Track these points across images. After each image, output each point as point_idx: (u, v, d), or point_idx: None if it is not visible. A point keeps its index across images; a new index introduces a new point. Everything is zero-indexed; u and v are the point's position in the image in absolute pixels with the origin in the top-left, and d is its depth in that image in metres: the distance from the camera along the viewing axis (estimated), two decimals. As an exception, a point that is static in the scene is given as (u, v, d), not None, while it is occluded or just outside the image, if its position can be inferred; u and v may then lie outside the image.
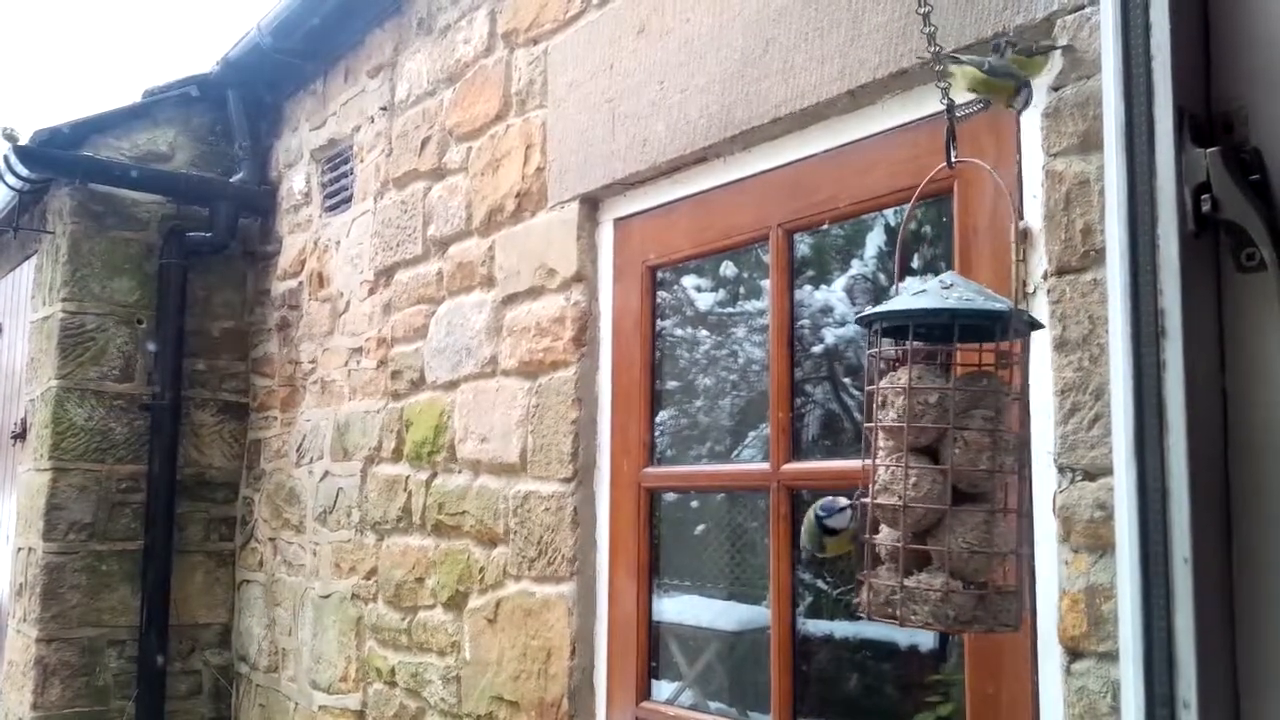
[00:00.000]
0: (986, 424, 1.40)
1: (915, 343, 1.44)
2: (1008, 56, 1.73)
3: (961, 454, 1.39)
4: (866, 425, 1.49)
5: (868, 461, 1.47)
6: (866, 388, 1.51)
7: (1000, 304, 1.43)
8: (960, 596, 1.35)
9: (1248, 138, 0.89)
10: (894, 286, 1.63)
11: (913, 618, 1.37)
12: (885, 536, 1.45)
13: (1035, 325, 1.53)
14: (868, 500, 1.46)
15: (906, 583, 1.38)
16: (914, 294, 1.46)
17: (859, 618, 1.50)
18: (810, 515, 1.57)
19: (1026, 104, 1.74)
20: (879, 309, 1.47)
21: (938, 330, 1.46)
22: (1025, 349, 1.49)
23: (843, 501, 1.54)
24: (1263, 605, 0.86)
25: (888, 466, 1.43)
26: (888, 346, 1.48)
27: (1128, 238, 0.91)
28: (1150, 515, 0.88)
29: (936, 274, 1.54)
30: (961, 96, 1.92)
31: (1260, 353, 0.86)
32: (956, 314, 1.40)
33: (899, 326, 1.47)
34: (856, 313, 1.82)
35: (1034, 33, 1.91)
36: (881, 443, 1.45)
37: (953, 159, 1.59)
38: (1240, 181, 0.87)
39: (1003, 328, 1.44)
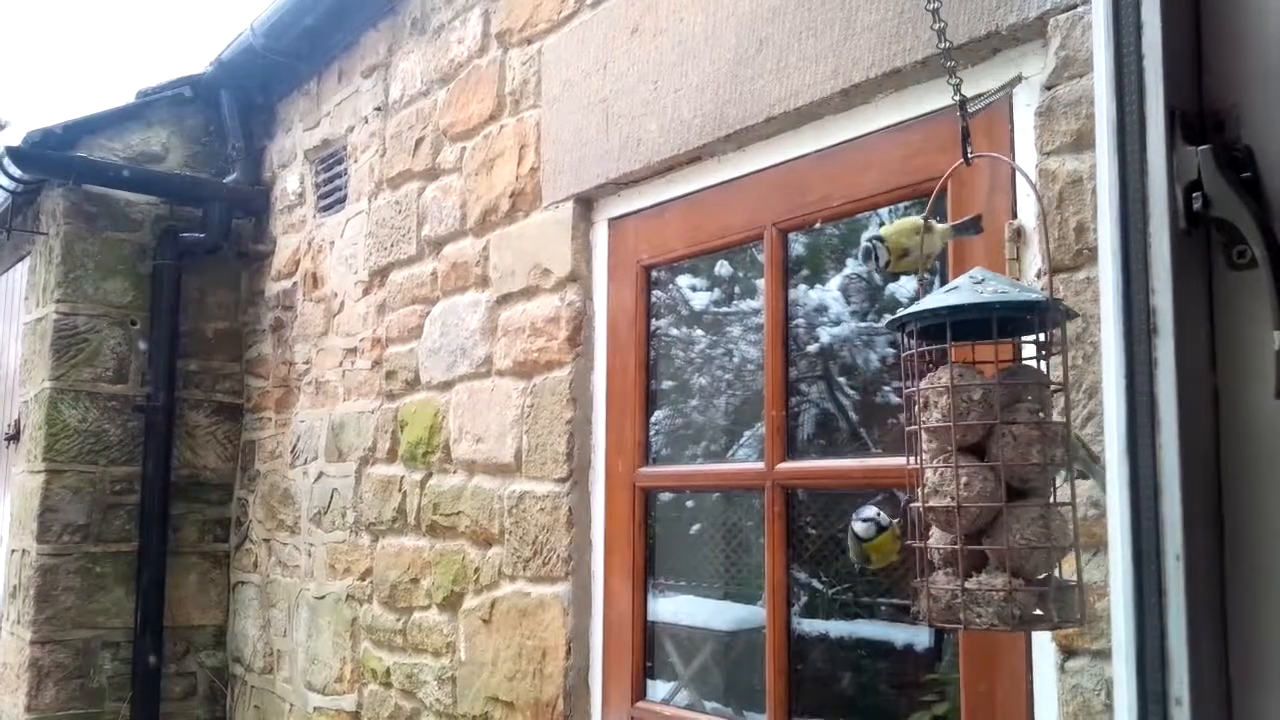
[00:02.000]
0: (1033, 416, 1.37)
1: (955, 340, 1.40)
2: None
3: (1012, 449, 1.36)
4: (909, 428, 1.46)
5: (913, 465, 1.44)
6: (904, 389, 1.48)
7: (1036, 295, 1.40)
8: (1024, 595, 1.32)
9: (1239, 136, 0.89)
10: (916, 288, 1.60)
11: (977, 620, 1.33)
12: (938, 540, 1.40)
13: (1071, 314, 1.50)
14: (917, 504, 1.42)
15: (967, 585, 1.34)
16: (946, 291, 1.43)
17: (856, 617, 1.48)
18: (850, 528, 1.54)
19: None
20: (914, 309, 1.42)
21: (970, 327, 1.44)
22: (1064, 339, 1.47)
23: (870, 510, 1.48)
24: (1254, 601, 0.86)
25: (935, 468, 1.39)
26: (922, 346, 1.45)
27: (1120, 236, 0.92)
28: (1142, 512, 0.88)
29: (932, 272, 1.54)
30: (971, 92, 1.92)
31: (1251, 350, 0.87)
32: (994, 308, 1.38)
33: (929, 326, 1.43)
34: (852, 313, 1.81)
35: (1027, 31, 1.92)
36: (925, 444, 1.41)
37: (969, 154, 1.58)
38: (1231, 179, 0.87)
39: (1040, 319, 1.42)
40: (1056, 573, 1.37)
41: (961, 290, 1.40)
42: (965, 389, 1.38)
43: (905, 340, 1.47)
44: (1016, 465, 1.35)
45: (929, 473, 1.40)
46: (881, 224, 2.69)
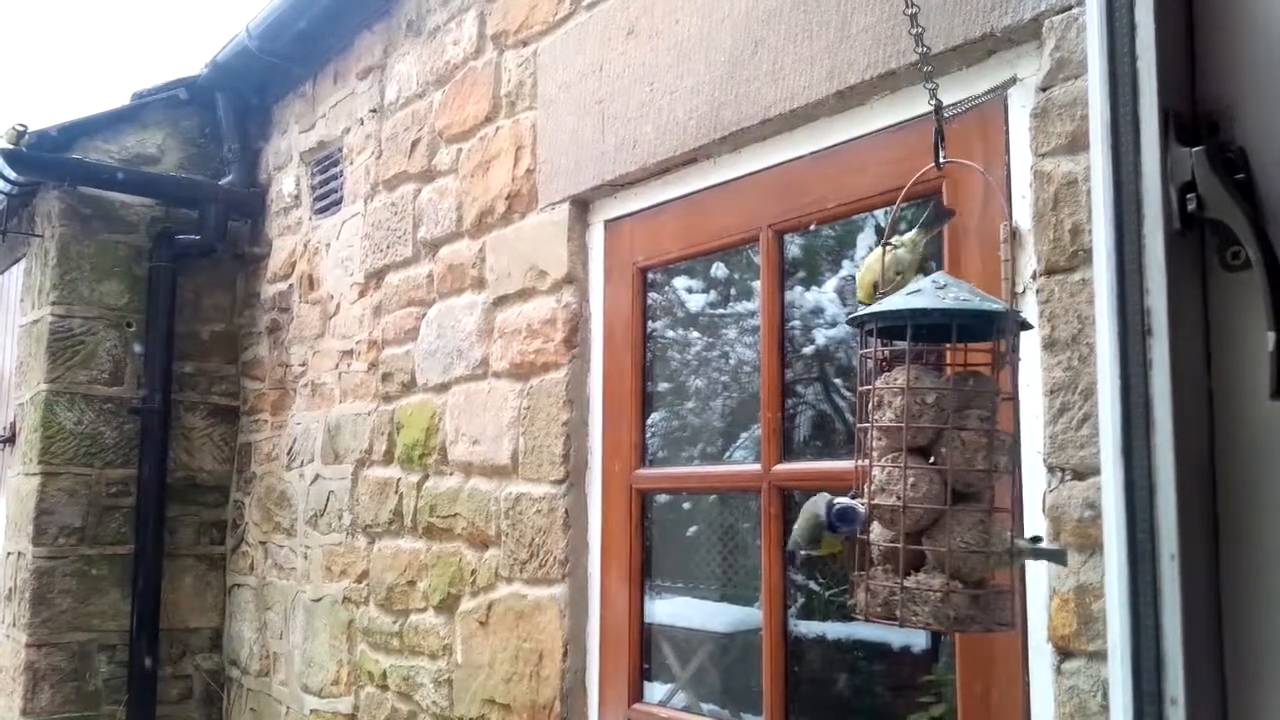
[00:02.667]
0: (982, 424, 1.40)
1: (911, 343, 1.43)
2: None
3: (959, 454, 1.38)
4: (860, 425, 1.48)
5: (862, 462, 1.46)
6: (860, 388, 1.50)
7: (995, 304, 1.43)
8: (959, 596, 1.35)
9: (1233, 137, 0.89)
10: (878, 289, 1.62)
11: (913, 619, 1.36)
12: (880, 537, 1.44)
13: (1026, 326, 1.53)
14: (863, 500, 1.45)
15: (905, 584, 1.37)
16: (909, 293, 1.45)
17: (852, 619, 1.49)
18: (815, 510, 1.50)
19: None
20: (873, 309, 1.46)
21: (926, 330, 1.46)
22: (1016, 349, 1.49)
23: (860, 510, 1.47)
24: (1249, 601, 0.86)
25: (884, 467, 1.42)
26: (880, 347, 1.48)
27: (1114, 237, 0.92)
28: (1137, 513, 0.88)
29: (927, 274, 1.55)
30: (950, 97, 1.93)
31: (1245, 351, 0.87)
32: (953, 314, 1.40)
33: (893, 326, 1.46)
34: (848, 313, 1.81)
35: (1022, 33, 1.92)
36: (876, 443, 1.45)
37: (941, 160, 1.60)
38: (1225, 181, 0.87)
39: (998, 328, 1.44)
40: (990, 576, 1.40)
41: (924, 294, 1.42)
42: (920, 391, 1.40)
43: (864, 339, 1.49)
44: (962, 470, 1.38)
45: (876, 470, 1.43)
46: (878, 226, 2.70)
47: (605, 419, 2.93)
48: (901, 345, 1.44)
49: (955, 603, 1.35)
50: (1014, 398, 1.47)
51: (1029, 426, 1.82)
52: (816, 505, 1.51)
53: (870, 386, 1.46)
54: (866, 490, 1.44)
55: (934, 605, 1.35)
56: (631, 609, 2.79)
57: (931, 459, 1.42)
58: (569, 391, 2.95)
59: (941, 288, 1.43)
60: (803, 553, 1.63)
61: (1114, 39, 0.93)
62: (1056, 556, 1.64)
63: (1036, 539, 1.58)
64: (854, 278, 3.12)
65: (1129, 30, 0.92)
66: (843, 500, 1.49)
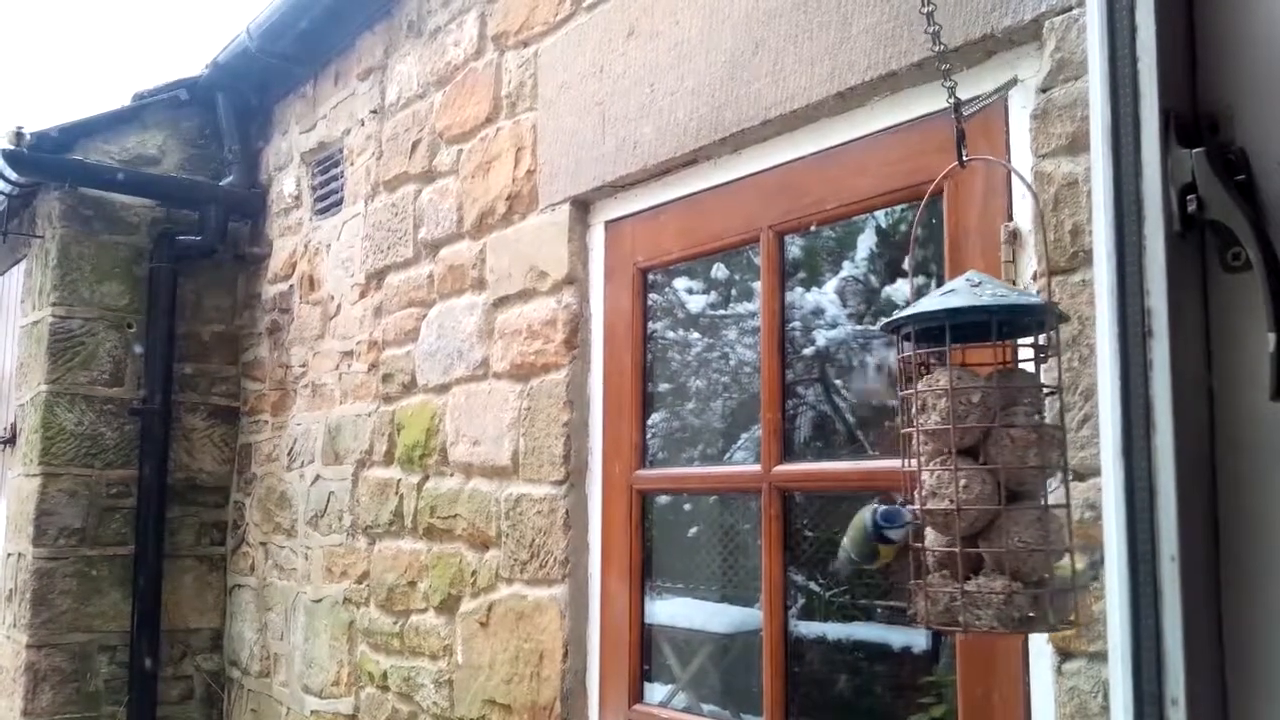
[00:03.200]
0: (1029, 419, 1.37)
1: (939, 345, 1.40)
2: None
3: (1009, 452, 1.36)
4: (904, 430, 1.45)
5: (909, 467, 1.43)
6: (900, 392, 1.48)
7: (1033, 298, 1.41)
8: (1022, 597, 1.32)
9: (1233, 138, 0.89)
10: (910, 287, 1.59)
11: (977, 623, 1.33)
12: (934, 542, 1.40)
13: (1064, 318, 1.50)
14: (915, 507, 1.41)
15: (966, 588, 1.34)
16: (944, 294, 1.42)
17: (853, 619, 1.48)
18: (863, 522, 1.48)
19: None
20: (909, 312, 1.42)
21: (965, 330, 1.43)
22: (1058, 342, 1.47)
23: (906, 513, 1.45)
24: (1249, 602, 0.86)
25: (933, 471, 1.38)
26: (917, 349, 1.44)
27: (1114, 238, 0.92)
28: (1138, 514, 0.88)
29: (928, 275, 1.54)
30: (966, 94, 1.93)
31: (1245, 352, 0.87)
32: (993, 310, 1.38)
33: (925, 329, 1.43)
34: (849, 315, 1.80)
35: (1023, 34, 1.92)
36: (922, 447, 1.41)
37: (964, 158, 1.58)
38: (1226, 182, 0.87)
39: (1039, 321, 1.42)
40: (1051, 575, 1.38)
41: (959, 293, 1.39)
42: (964, 391, 1.37)
43: (901, 343, 1.47)
44: (1014, 468, 1.35)
45: (926, 475, 1.39)
46: (878, 227, 2.69)
47: (606, 420, 2.93)
48: (940, 347, 1.40)
49: (1019, 603, 1.32)
50: (1058, 392, 1.44)
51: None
52: (863, 516, 1.48)
53: (912, 390, 1.42)
54: (917, 496, 1.40)
55: (997, 608, 1.32)
56: (632, 610, 2.79)
57: (980, 459, 1.38)
58: (569, 392, 2.95)
59: (976, 285, 1.40)
60: (852, 568, 1.60)
61: (1115, 40, 0.93)
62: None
63: (1095, 565, 1.56)
64: (855, 279, 3.12)
65: (1130, 31, 0.92)
66: (890, 508, 1.47)
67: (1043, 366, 1.45)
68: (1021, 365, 1.48)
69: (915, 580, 1.41)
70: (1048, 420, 1.42)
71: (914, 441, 1.42)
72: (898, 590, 2.92)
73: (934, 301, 1.41)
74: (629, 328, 2.88)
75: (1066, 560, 1.38)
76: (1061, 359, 1.79)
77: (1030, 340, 1.46)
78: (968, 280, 1.42)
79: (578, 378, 2.97)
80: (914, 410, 1.42)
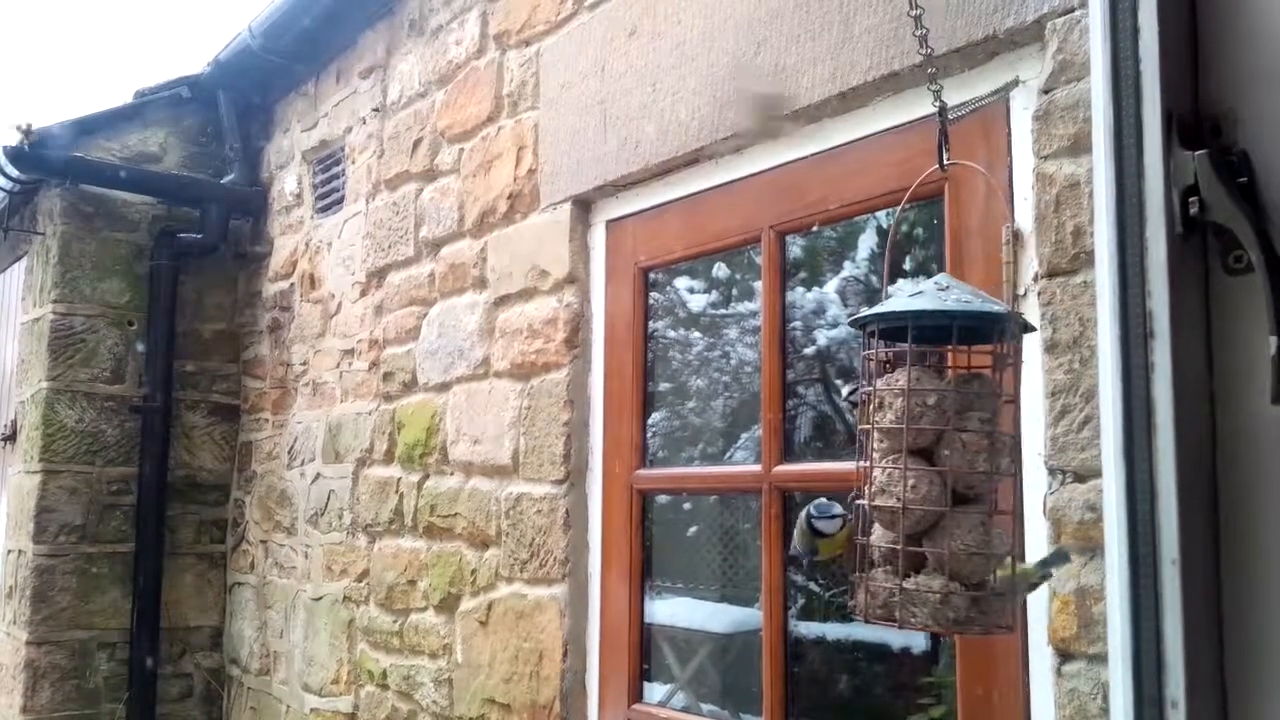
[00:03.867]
0: (983, 425, 1.39)
1: (913, 344, 1.43)
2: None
3: (959, 456, 1.38)
4: (861, 427, 1.48)
5: (863, 463, 1.46)
6: (861, 389, 1.50)
7: (998, 306, 1.42)
8: (959, 598, 1.35)
9: (1236, 140, 0.89)
10: (884, 289, 1.62)
11: (911, 620, 1.36)
12: (880, 538, 1.44)
13: (1028, 328, 1.52)
14: (863, 502, 1.45)
15: (905, 585, 1.37)
16: (911, 295, 1.45)
17: (851, 620, 1.49)
18: (802, 517, 1.55)
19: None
20: (875, 310, 1.45)
21: (929, 332, 1.46)
22: (1019, 352, 1.49)
23: (837, 507, 1.51)
24: (1250, 606, 0.86)
25: (884, 468, 1.41)
26: (881, 348, 1.47)
27: (1116, 240, 0.92)
28: (1139, 517, 0.88)
29: (929, 275, 1.54)
30: (953, 99, 1.93)
31: (1247, 355, 0.87)
32: (954, 315, 1.39)
33: (895, 328, 1.46)
34: (850, 314, 1.81)
35: (1025, 35, 1.92)
36: (877, 444, 1.45)
37: (945, 161, 1.59)
38: (1228, 184, 0.87)
39: (1000, 330, 1.43)
40: (992, 579, 1.39)
41: (926, 295, 1.42)
42: (921, 393, 1.40)
43: (866, 340, 1.49)
44: (963, 472, 1.38)
45: (877, 472, 1.43)
46: (879, 228, 2.69)
47: (606, 419, 2.93)
48: (903, 346, 1.44)
49: (954, 604, 1.35)
50: (1015, 400, 1.46)
51: (1031, 428, 1.82)
52: (804, 510, 1.52)
53: (872, 388, 1.46)
54: (868, 492, 1.44)
55: (933, 607, 1.35)
56: (631, 609, 2.79)
57: (933, 461, 1.41)
58: (570, 391, 2.95)
59: (944, 289, 1.42)
60: (811, 559, 1.63)
61: (1117, 41, 0.93)
62: (1059, 558, 1.64)
63: (1045, 562, 1.58)
64: (856, 279, 3.12)
65: (1132, 33, 0.92)
66: (823, 501, 1.51)
67: (1005, 375, 1.47)
68: (985, 372, 1.49)
69: (858, 573, 1.43)
70: (1000, 429, 1.43)
71: (870, 438, 1.44)
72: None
73: (900, 302, 1.44)
74: (630, 327, 2.88)
75: (1009, 565, 1.40)
76: (1060, 361, 1.79)
77: (990, 348, 1.47)
78: (936, 283, 1.44)
79: (578, 377, 2.97)
80: (871, 407, 1.44)
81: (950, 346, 1.47)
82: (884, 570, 1.41)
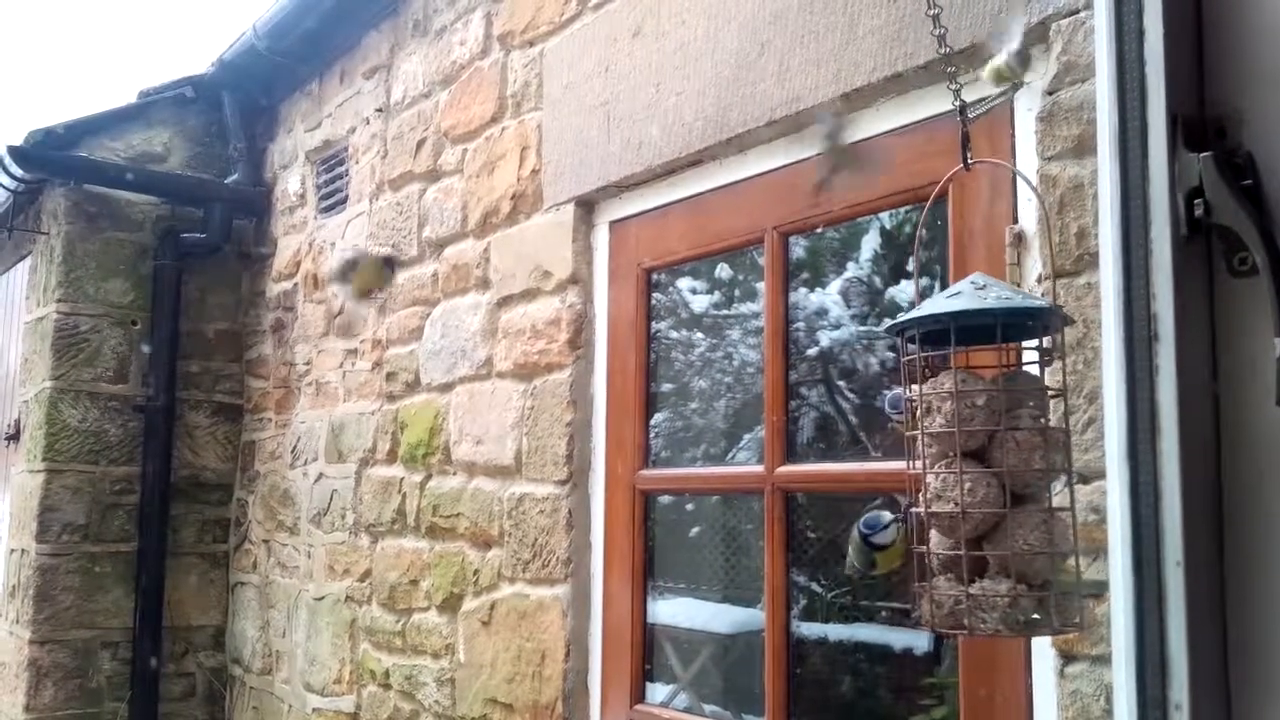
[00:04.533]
0: (1035, 422, 1.37)
1: (941, 347, 1.40)
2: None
3: (1014, 455, 1.36)
4: (909, 433, 1.45)
5: (914, 470, 1.43)
6: (905, 395, 1.47)
7: (1039, 301, 1.40)
8: (1027, 600, 1.32)
9: (1240, 143, 0.89)
10: (915, 290, 1.59)
11: (982, 626, 1.32)
12: (938, 545, 1.40)
13: (1069, 321, 1.50)
14: (919, 510, 1.41)
15: (971, 591, 1.34)
16: (949, 297, 1.42)
17: (855, 620, 1.48)
18: (855, 535, 1.51)
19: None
20: (916, 314, 1.41)
21: (963, 333, 1.43)
22: (1063, 345, 1.46)
23: (887, 515, 1.48)
24: (1254, 608, 0.86)
25: (938, 474, 1.38)
26: (920, 352, 1.44)
27: (1121, 242, 0.92)
28: (1143, 518, 0.88)
29: (932, 277, 1.54)
30: (971, 97, 1.92)
31: (1251, 357, 0.87)
32: (998, 313, 1.38)
33: (929, 331, 1.42)
34: (852, 316, 1.80)
35: (1030, 36, 1.91)
36: (926, 449, 1.41)
37: (969, 161, 1.57)
38: (1232, 186, 0.87)
39: (1043, 325, 1.42)
40: (1056, 577, 1.37)
41: (964, 296, 1.39)
42: (969, 394, 1.37)
43: (905, 345, 1.47)
44: (1019, 471, 1.35)
45: (931, 478, 1.39)
46: (883, 229, 2.68)
47: (609, 419, 2.93)
48: (945, 349, 1.40)
49: (1024, 606, 1.31)
50: (1064, 394, 1.44)
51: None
52: (855, 528, 1.49)
53: (919, 392, 1.42)
54: (922, 499, 1.41)
55: (1003, 610, 1.31)
56: (634, 609, 2.79)
57: (985, 462, 1.38)
58: (573, 392, 2.95)
59: (981, 288, 1.40)
60: (869, 574, 1.62)
61: (1122, 43, 0.93)
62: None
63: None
64: (859, 280, 3.12)
65: (1137, 35, 0.92)
66: (872, 515, 1.48)
67: (1048, 369, 1.45)
68: (1026, 368, 1.48)
69: (920, 583, 1.41)
70: (1053, 423, 1.41)
71: (919, 444, 1.42)
72: (899, 592, 2.92)
73: (939, 304, 1.41)
74: (633, 328, 2.88)
75: (1072, 563, 1.38)
76: (1066, 362, 1.79)
77: (1035, 343, 1.45)
78: (972, 283, 1.41)
79: (581, 377, 2.97)
80: (919, 413, 1.42)
81: (994, 345, 1.44)
82: (946, 578, 1.37)
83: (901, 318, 1.44)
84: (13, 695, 4.58)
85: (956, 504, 1.35)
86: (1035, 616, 1.33)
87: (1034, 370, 1.45)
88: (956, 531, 1.36)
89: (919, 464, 1.42)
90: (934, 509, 1.38)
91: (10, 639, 4.71)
